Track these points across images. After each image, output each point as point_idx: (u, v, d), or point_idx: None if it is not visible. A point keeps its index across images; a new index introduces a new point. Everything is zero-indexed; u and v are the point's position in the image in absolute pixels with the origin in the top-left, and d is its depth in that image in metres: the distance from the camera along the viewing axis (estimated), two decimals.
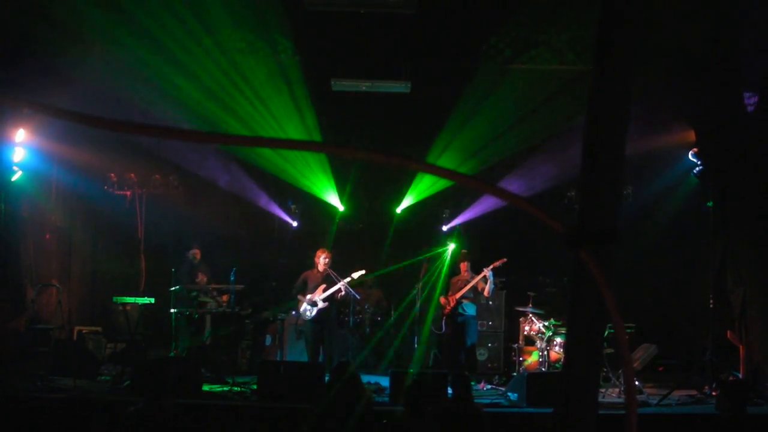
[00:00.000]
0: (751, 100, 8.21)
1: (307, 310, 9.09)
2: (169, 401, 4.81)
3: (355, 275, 9.15)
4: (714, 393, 7.63)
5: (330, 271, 9.13)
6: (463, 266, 9.46)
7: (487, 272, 9.09)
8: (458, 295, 9.23)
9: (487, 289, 9.16)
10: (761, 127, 8.19)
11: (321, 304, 9.05)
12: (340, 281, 9.01)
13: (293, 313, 10.05)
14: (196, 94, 9.36)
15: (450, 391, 7.53)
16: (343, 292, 9.09)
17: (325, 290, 9.05)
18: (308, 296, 9.12)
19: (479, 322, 9.93)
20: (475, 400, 7.65)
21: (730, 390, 5.56)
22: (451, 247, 10.41)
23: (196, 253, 10.00)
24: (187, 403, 6.84)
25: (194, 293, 9.56)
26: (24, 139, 9.07)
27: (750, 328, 8.45)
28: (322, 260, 9.19)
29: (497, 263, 9.16)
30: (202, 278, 9.81)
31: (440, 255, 10.51)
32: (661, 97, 8.74)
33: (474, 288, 9.26)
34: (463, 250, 9.89)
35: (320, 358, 9.06)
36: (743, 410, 5.30)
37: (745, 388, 6.50)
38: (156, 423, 4.68)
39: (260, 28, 8.55)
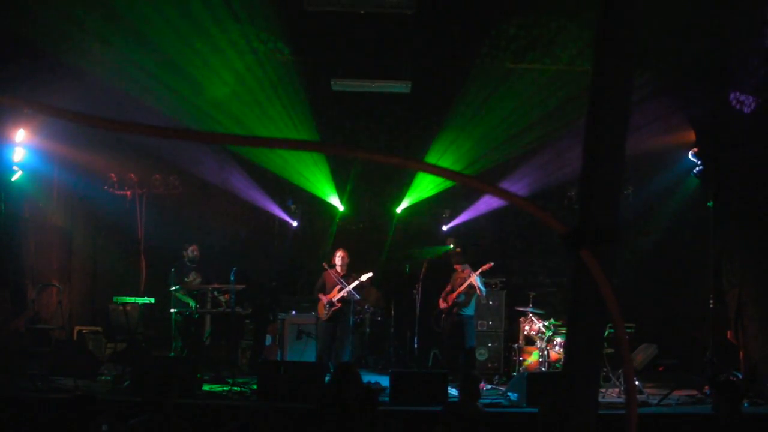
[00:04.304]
0: (748, 101, 8.21)
1: (325, 309, 9.27)
2: (169, 408, 4.79)
3: (363, 277, 9.24)
4: (712, 393, 7.63)
5: (335, 275, 9.22)
6: (458, 268, 9.47)
7: (474, 277, 9.11)
8: (453, 295, 9.27)
9: (479, 290, 9.20)
10: (760, 127, 8.19)
11: (335, 305, 9.22)
12: (345, 285, 9.16)
13: (293, 313, 10.07)
14: (195, 95, 9.36)
15: (454, 392, 7.59)
16: (347, 293, 9.21)
17: (339, 290, 9.19)
18: (326, 297, 9.29)
19: (479, 322, 9.93)
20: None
21: (725, 390, 5.55)
22: (451, 246, 10.41)
23: (193, 249, 9.95)
24: (187, 403, 6.84)
25: (195, 293, 9.56)
26: (24, 139, 9.07)
27: (746, 327, 8.46)
28: (338, 260, 9.35)
29: (484, 267, 9.21)
30: (194, 278, 9.75)
31: (440, 254, 10.52)
32: (661, 97, 8.74)
33: (470, 288, 9.27)
34: (456, 249, 9.87)
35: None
36: (738, 410, 5.30)
37: (738, 388, 6.49)
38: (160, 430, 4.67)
39: (260, 28, 8.55)
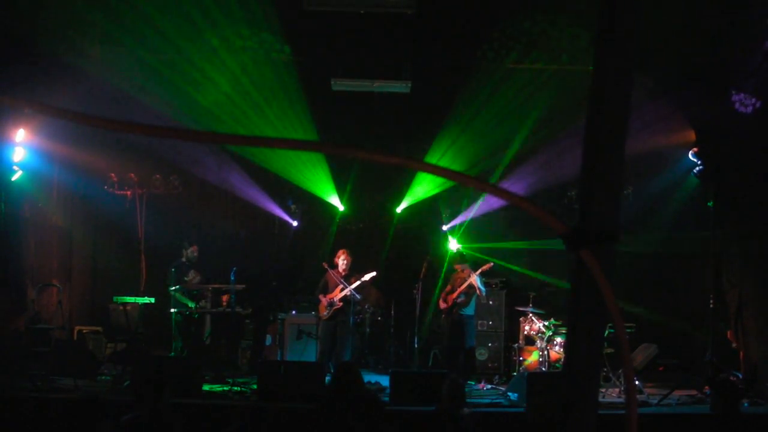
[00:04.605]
0: (750, 102, 8.21)
1: (326, 309, 9.22)
2: (165, 406, 4.79)
3: (367, 276, 9.22)
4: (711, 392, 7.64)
5: (335, 276, 9.19)
6: (458, 268, 9.48)
7: (474, 277, 9.12)
8: (454, 296, 9.28)
9: (479, 290, 9.21)
10: (760, 127, 8.19)
11: (337, 304, 9.18)
12: (347, 286, 9.12)
13: (293, 313, 10.07)
14: (195, 94, 9.36)
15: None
16: (349, 293, 9.20)
17: (342, 290, 9.16)
18: (328, 296, 9.25)
19: (479, 321, 9.93)
20: (475, 400, 7.68)
21: (723, 390, 5.56)
22: (451, 246, 10.42)
23: (194, 249, 9.94)
24: (187, 403, 6.84)
25: (195, 292, 9.55)
26: (24, 139, 9.07)
27: (746, 327, 8.46)
28: (341, 260, 9.31)
29: (484, 267, 9.22)
30: (193, 277, 9.74)
31: (440, 254, 10.53)
32: (661, 96, 8.74)
33: (469, 288, 9.28)
34: (458, 249, 9.88)
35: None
36: (736, 409, 5.31)
37: (737, 387, 6.50)
38: (153, 429, 4.67)
39: (260, 28, 8.55)
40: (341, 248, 9.58)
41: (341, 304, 9.20)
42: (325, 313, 9.24)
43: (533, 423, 4.69)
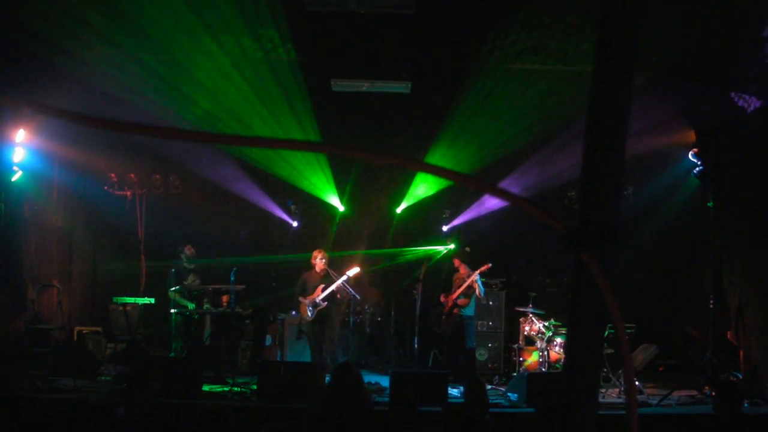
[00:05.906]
0: (750, 102, 8.21)
1: (309, 311, 9.08)
2: (142, 404, 4.80)
3: (350, 272, 9.13)
4: (713, 393, 7.64)
5: (329, 270, 9.12)
6: (457, 263, 9.52)
7: (474, 277, 9.14)
8: (453, 296, 9.30)
9: (478, 291, 9.23)
10: (760, 128, 8.19)
11: (320, 304, 9.03)
12: (337, 279, 9.00)
13: (293, 313, 10.04)
14: (195, 95, 9.36)
15: (454, 392, 7.61)
16: (340, 291, 9.08)
17: (323, 290, 9.03)
18: (309, 297, 9.10)
19: (479, 322, 9.94)
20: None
21: (725, 390, 5.57)
22: (451, 246, 10.43)
23: (188, 248, 9.92)
24: (187, 403, 6.83)
25: (195, 293, 9.56)
26: (24, 139, 9.07)
27: (747, 328, 8.46)
28: (318, 260, 9.16)
29: (483, 268, 9.25)
30: (192, 281, 9.74)
31: (440, 255, 10.54)
32: (661, 97, 8.73)
33: (469, 289, 9.30)
34: (464, 249, 9.91)
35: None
36: (739, 410, 5.31)
37: (739, 388, 6.51)
38: (133, 424, 4.68)
39: (260, 28, 8.54)
40: (317, 249, 9.44)
41: (325, 303, 9.02)
42: (308, 315, 9.02)
43: (543, 424, 4.69)
